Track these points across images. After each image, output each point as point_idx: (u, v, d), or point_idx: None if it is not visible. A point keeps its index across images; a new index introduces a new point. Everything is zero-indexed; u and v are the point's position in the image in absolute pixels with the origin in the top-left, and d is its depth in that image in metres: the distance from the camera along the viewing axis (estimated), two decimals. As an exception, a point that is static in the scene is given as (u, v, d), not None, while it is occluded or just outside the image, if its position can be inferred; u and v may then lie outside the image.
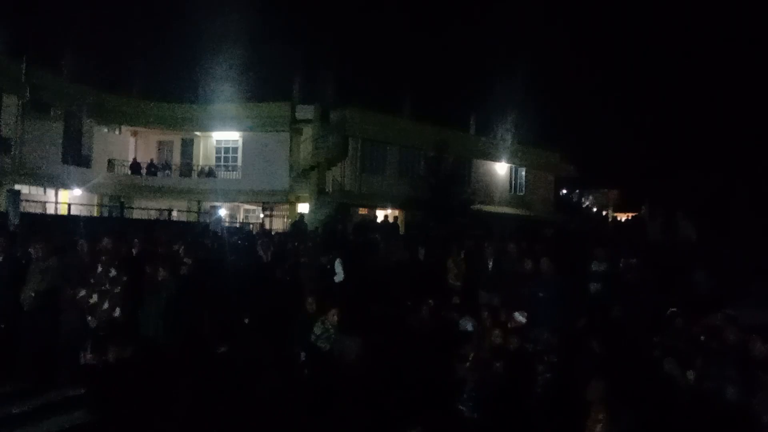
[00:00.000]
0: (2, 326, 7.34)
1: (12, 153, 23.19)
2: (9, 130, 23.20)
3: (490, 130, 31.51)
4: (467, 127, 32.29)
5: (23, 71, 22.95)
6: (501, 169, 32.84)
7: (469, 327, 7.67)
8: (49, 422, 5.76)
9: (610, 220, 43.89)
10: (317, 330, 7.08)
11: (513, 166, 33.37)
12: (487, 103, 41.73)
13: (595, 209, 51.57)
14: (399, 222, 23.52)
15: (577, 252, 11.42)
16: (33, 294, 7.00)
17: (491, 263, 10.17)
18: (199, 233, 14.77)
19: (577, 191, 51.45)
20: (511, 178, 33.77)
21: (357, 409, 5.87)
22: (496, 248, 10.73)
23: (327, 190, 26.99)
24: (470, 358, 6.38)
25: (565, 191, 46.20)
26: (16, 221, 14.11)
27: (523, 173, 34.13)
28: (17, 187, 20.03)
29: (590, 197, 54.16)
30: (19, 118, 23.35)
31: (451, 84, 51.12)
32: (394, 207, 27.16)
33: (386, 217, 22.37)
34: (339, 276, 10.44)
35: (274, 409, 5.90)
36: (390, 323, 7.81)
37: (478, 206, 25.80)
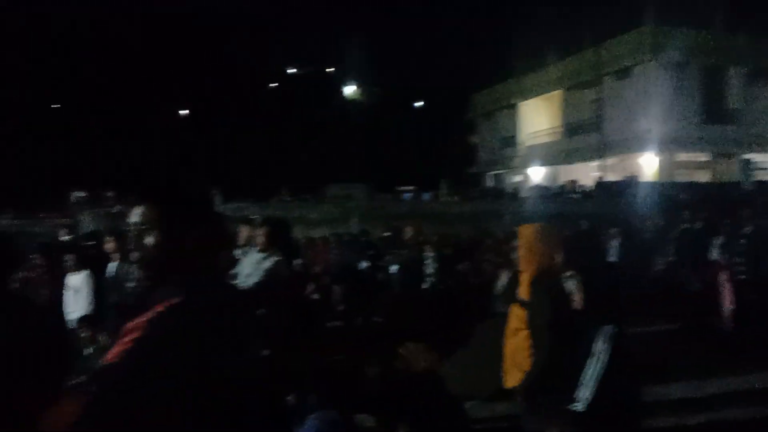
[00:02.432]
0: None
1: (740, 123, 24.04)
2: (735, 101, 24.15)
3: None
4: None
5: (744, 44, 23.52)
6: None
7: None
8: None
9: None
10: None
11: None
12: None
13: None
14: None
15: None
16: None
17: None
18: None
19: None
20: None
21: None
22: None
23: None
24: None
25: None
26: (750, 188, 15.02)
27: None
28: (747, 156, 20.77)
29: None
30: (743, 88, 24.04)
31: None
32: None
33: None
34: None
35: None
36: None
37: None
